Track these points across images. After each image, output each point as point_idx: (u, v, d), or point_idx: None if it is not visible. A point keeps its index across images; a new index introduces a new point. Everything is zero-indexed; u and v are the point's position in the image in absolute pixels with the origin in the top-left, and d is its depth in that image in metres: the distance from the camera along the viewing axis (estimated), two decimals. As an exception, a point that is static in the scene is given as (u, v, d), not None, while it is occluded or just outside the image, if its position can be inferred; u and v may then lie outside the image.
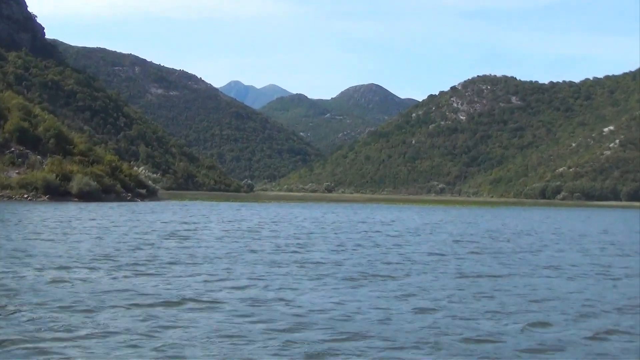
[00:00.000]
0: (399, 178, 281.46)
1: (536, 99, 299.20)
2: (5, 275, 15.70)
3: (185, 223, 38.11)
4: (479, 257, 23.60)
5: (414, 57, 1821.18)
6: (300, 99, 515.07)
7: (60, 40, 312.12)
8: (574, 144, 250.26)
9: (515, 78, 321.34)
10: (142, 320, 11.50)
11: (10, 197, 62.44)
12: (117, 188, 76.08)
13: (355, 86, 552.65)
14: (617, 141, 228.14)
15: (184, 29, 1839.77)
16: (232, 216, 49.60)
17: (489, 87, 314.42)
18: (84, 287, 14.59)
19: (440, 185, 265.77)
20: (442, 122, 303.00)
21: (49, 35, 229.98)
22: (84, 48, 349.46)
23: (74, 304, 12.59)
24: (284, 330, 11.12)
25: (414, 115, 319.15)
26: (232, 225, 38.11)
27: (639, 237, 38.66)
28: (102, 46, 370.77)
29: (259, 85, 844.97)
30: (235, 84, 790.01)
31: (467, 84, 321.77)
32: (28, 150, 73.61)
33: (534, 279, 18.34)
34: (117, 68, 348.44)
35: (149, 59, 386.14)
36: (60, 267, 17.44)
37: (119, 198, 74.11)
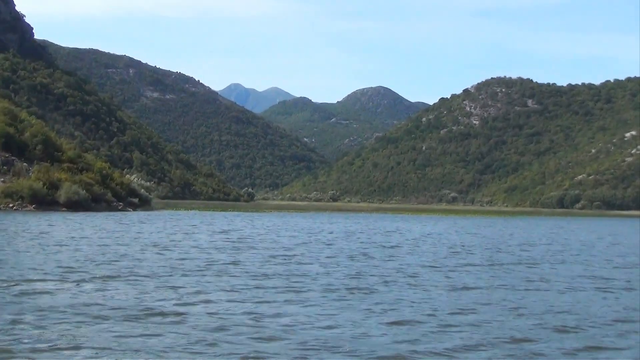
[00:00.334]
0: (408, 186, 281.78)
1: (554, 103, 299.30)
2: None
3: (171, 234, 38.49)
4: (472, 269, 23.90)
5: (424, 58, 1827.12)
6: (304, 102, 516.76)
7: (50, 40, 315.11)
8: (593, 150, 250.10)
9: (532, 80, 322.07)
10: (100, 333, 11.89)
11: (-6, 207, 62.93)
12: (107, 197, 76.60)
13: (363, 89, 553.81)
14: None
15: (181, 29, 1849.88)
16: (224, 226, 49.98)
17: (503, 89, 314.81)
18: (45, 300, 14.97)
19: (452, 194, 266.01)
20: (454, 127, 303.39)
21: (38, 35, 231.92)
22: (75, 49, 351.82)
23: (32, 318, 12.99)
24: (247, 345, 11.46)
25: (424, 119, 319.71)
26: (220, 236, 38.49)
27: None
28: (94, 47, 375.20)
29: (260, 88, 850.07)
30: (235, 87, 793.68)
31: (480, 86, 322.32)
32: (14, 157, 74.15)
33: (521, 292, 18.63)
34: (110, 70, 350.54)
35: (144, 61, 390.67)
36: (26, 280, 17.83)
37: (110, 207, 74.60)
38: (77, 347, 10.95)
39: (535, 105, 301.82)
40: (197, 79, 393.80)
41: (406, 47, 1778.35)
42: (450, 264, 25.86)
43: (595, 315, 15.11)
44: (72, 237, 32.56)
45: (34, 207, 64.62)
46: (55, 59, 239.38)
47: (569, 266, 26.71)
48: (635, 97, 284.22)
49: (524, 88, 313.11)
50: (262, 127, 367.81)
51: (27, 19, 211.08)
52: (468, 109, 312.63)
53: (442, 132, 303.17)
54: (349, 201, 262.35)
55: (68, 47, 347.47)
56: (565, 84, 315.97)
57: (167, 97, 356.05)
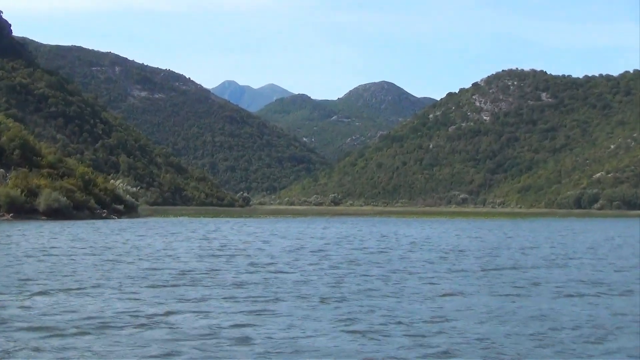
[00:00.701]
0: (415, 188, 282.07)
1: (569, 96, 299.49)
2: None
3: (149, 244, 38.76)
4: (460, 275, 24.20)
5: (430, 50, 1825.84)
6: (302, 99, 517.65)
7: (30, 38, 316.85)
8: (612, 146, 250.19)
9: (545, 72, 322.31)
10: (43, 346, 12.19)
11: (-33, 216, 63.27)
12: (90, 204, 76.98)
13: (365, 84, 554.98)
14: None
15: (171, 24, 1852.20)
16: (209, 234, 50.27)
17: (515, 82, 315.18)
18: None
19: (462, 195, 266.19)
20: (463, 124, 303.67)
21: (16, 32, 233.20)
22: (57, 46, 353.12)
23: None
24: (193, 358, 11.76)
25: (431, 116, 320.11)
26: (200, 243, 38.83)
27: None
28: (77, 44, 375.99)
29: (255, 85, 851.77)
30: (229, 84, 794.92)
31: (490, 79, 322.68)
32: (-12, 163, 74.59)
33: (502, 297, 18.92)
34: (94, 68, 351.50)
35: (130, 58, 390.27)
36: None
37: (93, 215, 74.99)
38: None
39: (550, 99, 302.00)
40: (187, 77, 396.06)
41: (410, 39, 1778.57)
42: (440, 269, 26.14)
43: (574, 322, 15.37)
44: (42, 248, 32.84)
45: (11, 217, 64.87)
46: (36, 57, 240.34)
47: (566, 270, 26.99)
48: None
49: (537, 81, 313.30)
50: (258, 126, 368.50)
51: (4, 15, 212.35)
52: (478, 104, 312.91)
53: (450, 129, 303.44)
54: (351, 204, 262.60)
55: (49, 45, 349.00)
56: (581, 76, 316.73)
57: (156, 96, 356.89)
